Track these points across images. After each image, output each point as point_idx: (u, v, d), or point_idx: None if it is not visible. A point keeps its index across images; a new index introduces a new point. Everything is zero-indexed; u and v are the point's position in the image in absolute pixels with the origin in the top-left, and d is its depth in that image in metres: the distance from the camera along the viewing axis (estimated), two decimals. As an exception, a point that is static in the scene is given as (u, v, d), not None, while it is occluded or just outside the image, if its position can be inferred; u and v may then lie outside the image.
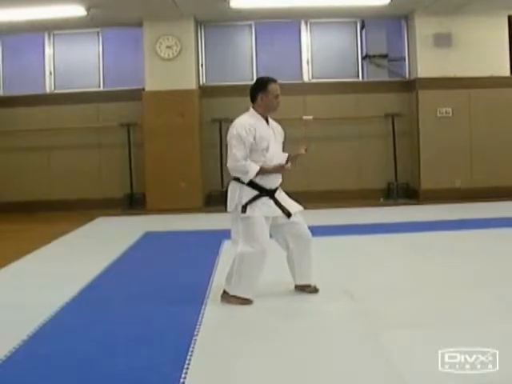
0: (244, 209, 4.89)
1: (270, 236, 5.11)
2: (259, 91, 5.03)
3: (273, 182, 5.06)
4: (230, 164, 4.98)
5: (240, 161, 4.91)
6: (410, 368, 3.51)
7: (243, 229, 4.92)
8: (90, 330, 4.45)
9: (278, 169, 5.05)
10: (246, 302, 4.94)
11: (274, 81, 5.07)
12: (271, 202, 5.00)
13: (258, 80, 5.20)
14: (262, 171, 4.95)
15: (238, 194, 4.95)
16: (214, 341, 4.15)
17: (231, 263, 5.04)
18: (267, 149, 5.00)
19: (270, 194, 5.01)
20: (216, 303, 5.02)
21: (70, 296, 5.37)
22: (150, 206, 12.00)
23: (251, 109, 5.10)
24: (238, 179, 5.00)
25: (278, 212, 5.01)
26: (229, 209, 5.06)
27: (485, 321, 4.41)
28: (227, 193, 5.10)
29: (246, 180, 4.94)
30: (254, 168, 4.91)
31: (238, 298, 4.95)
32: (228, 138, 5.05)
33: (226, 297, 5.02)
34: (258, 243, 4.89)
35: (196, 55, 12.37)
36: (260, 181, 4.96)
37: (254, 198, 4.93)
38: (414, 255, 6.96)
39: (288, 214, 5.03)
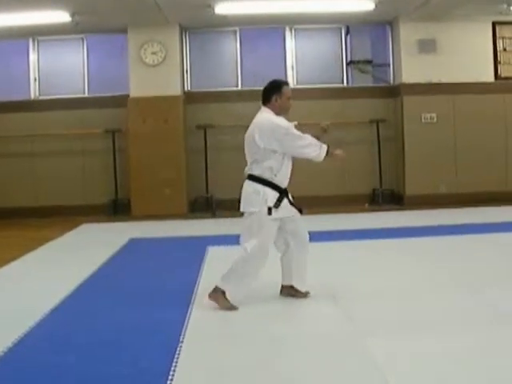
0: (269, 211, 4.90)
1: None
2: (274, 93, 5.11)
3: (287, 180, 5.13)
4: (304, 143, 5.05)
5: (311, 139, 5.07)
6: (396, 374, 3.51)
7: (258, 230, 4.90)
8: (74, 337, 4.41)
9: (341, 156, 5.21)
10: (231, 307, 4.92)
11: (287, 84, 5.27)
12: (286, 201, 5.04)
13: (272, 82, 5.25)
14: (329, 151, 5.12)
15: (261, 197, 4.92)
16: (199, 347, 4.12)
17: (233, 260, 4.97)
18: None
19: (286, 193, 5.07)
20: (201, 309, 5.00)
21: (53, 303, 5.33)
22: (134, 212, 11.95)
23: (267, 108, 5.11)
24: (259, 180, 4.97)
25: (294, 211, 5.11)
26: (248, 209, 5.00)
27: (472, 326, 4.40)
28: (241, 194, 5.06)
29: (321, 157, 5.07)
30: (323, 145, 5.08)
31: (226, 299, 4.93)
32: (276, 135, 4.95)
33: (214, 295, 4.98)
34: (265, 247, 4.93)
35: (181, 61, 12.36)
36: (280, 182, 5.02)
37: (279, 200, 4.95)
38: (399, 260, 6.97)
39: (300, 210, 5.14)
